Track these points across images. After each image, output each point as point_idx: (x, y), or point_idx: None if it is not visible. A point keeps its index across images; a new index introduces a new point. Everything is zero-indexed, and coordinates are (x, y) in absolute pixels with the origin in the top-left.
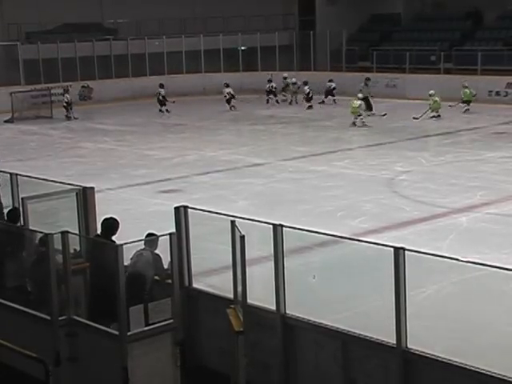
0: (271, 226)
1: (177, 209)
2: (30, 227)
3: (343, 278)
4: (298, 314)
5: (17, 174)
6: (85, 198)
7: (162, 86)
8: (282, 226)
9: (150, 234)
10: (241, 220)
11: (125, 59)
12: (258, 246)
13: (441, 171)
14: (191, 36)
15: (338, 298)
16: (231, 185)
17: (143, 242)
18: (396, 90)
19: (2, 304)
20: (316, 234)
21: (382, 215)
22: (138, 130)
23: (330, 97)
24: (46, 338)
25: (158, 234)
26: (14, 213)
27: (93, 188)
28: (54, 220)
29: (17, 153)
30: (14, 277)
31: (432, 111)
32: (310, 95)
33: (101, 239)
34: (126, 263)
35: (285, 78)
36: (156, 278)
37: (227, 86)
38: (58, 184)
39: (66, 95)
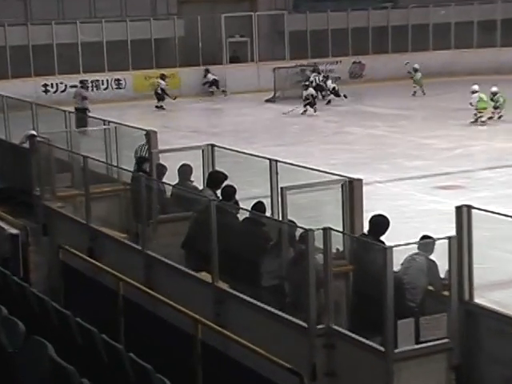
0: None
1: (458, 208)
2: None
3: None
4: None
5: (276, 161)
6: (351, 191)
7: (163, 77)
8: None
9: (425, 237)
10: None
11: (404, 31)
12: None
13: None
14: (485, 3)
15: None
16: None
17: (417, 245)
18: None
19: (257, 306)
20: None
21: None
22: (415, 115)
23: None
24: (300, 347)
25: (435, 236)
26: (260, 206)
27: (360, 180)
28: (316, 214)
29: (277, 137)
30: (270, 275)
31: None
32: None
33: (368, 239)
34: (395, 268)
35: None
36: (430, 288)
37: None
38: (321, 173)
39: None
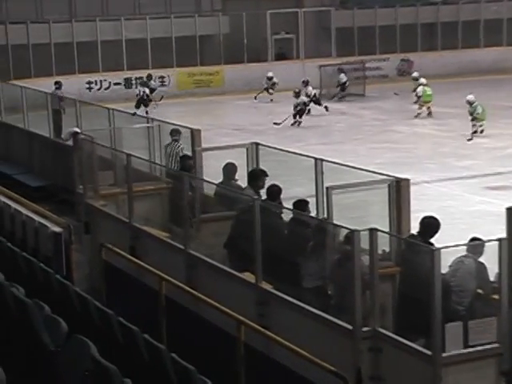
0: None
1: (509, 210)
2: (334, 221)
3: None
4: None
5: (322, 160)
6: (398, 191)
7: (146, 83)
8: None
9: (474, 239)
10: None
11: (454, 27)
12: None
13: None
14: None
15: None
16: None
17: (466, 247)
18: None
19: (301, 307)
20: None
21: None
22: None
23: None
24: (344, 349)
25: (484, 238)
26: (300, 205)
27: (408, 180)
28: (362, 215)
29: (322, 135)
30: (313, 276)
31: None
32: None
33: (414, 240)
34: (443, 271)
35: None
36: (479, 291)
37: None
38: (367, 173)
39: None
